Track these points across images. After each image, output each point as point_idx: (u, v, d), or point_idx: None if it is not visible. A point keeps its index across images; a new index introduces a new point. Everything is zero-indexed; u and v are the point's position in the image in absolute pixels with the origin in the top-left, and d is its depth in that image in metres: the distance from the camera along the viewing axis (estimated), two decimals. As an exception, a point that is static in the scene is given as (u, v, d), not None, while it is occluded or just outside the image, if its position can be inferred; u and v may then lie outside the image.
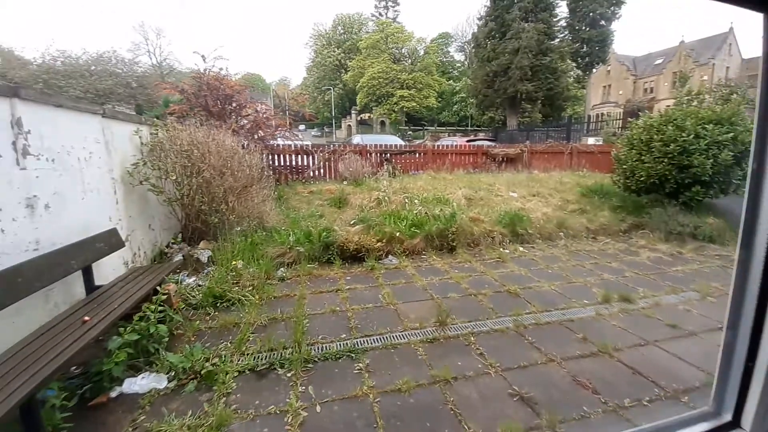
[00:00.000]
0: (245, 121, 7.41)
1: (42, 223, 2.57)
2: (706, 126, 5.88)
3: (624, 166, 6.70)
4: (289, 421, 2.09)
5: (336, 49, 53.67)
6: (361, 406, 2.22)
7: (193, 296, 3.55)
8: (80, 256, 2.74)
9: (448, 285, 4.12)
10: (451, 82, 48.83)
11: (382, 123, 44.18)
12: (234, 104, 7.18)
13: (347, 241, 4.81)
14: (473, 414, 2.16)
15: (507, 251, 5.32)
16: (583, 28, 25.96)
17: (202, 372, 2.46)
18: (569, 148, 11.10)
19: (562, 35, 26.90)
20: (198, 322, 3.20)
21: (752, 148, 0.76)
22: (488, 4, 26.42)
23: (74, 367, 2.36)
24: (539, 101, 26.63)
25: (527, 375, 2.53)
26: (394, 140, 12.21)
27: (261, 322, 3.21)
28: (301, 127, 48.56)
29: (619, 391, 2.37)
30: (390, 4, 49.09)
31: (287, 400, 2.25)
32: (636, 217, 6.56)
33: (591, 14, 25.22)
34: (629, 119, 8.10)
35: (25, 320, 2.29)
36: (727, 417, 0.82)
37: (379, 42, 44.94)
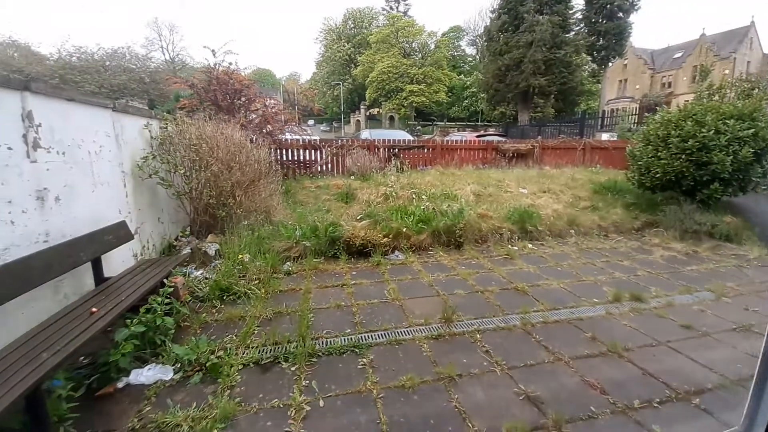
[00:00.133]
0: (254, 116, 7.43)
1: (52, 215, 2.61)
2: (727, 121, 5.66)
3: (639, 163, 6.51)
4: (293, 415, 2.09)
5: (346, 44, 53.41)
6: (364, 401, 2.21)
7: (200, 289, 3.59)
8: (89, 248, 2.79)
9: (454, 281, 4.08)
10: (461, 76, 48.20)
11: (391, 118, 43.92)
12: (243, 99, 7.20)
13: (353, 236, 4.79)
14: (478, 412, 2.13)
15: (515, 248, 5.24)
16: (600, 20, 25.16)
17: (208, 364, 2.48)
18: (582, 143, 10.83)
19: (577, 28, 26.15)
20: (204, 314, 3.23)
21: None
22: (501, -5, 25.86)
23: (82, 358, 2.41)
24: (552, 96, 26.05)
25: (534, 374, 2.48)
26: (402, 135, 12.09)
27: (266, 316, 3.23)
28: (310, 122, 48.71)
29: (628, 392, 2.31)
30: (401, -3, 48.57)
31: (291, 394, 2.25)
32: (650, 215, 6.39)
33: (608, 6, 24.39)
34: (646, 114, 7.86)
35: (35, 311, 2.34)
36: None
37: (390, 36, 44.53)
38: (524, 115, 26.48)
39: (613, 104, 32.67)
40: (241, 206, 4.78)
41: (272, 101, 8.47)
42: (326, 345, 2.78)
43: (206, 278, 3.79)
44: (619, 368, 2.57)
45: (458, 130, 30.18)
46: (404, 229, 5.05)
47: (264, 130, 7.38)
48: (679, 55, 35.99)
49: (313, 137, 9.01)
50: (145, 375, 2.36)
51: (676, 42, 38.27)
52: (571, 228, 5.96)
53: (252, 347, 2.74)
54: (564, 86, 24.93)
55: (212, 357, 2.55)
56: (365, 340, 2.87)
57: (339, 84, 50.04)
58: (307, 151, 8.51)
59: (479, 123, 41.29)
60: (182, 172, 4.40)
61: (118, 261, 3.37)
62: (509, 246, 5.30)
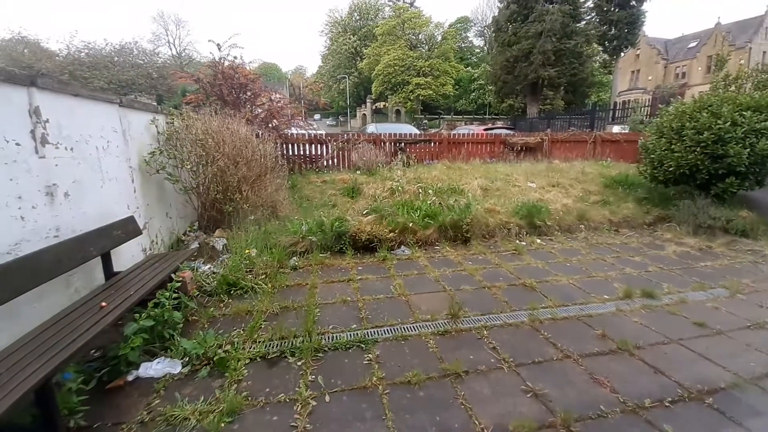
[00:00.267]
0: (259, 110, 7.42)
1: (62, 210, 2.63)
2: (744, 113, 5.48)
3: (652, 156, 6.35)
4: (299, 410, 2.10)
5: (351, 37, 52.97)
6: (370, 397, 2.21)
7: (208, 283, 3.62)
8: (98, 243, 2.81)
9: (461, 277, 4.05)
10: (469, 68, 47.51)
11: (398, 112, 43.60)
12: (248, 93, 7.18)
13: (359, 231, 4.78)
14: (484, 409, 2.11)
15: (523, 243, 5.18)
16: (612, 9, 24.49)
17: (215, 358, 2.50)
18: (593, 136, 10.62)
19: (588, 17, 25.52)
20: (212, 308, 3.26)
21: None
22: (510, -15, 25.28)
23: (93, 351, 2.44)
24: (562, 87, 25.54)
25: (542, 371, 2.45)
26: (408, 129, 12.01)
27: (273, 311, 3.24)
28: (316, 116, 48.60)
29: (639, 391, 2.27)
30: (407, -12, 47.85)
31: (297, 388, 2.26)
32: (662, 210, 6.26)
33: (621, -6, 23.77)
34: (659, 106, 7.64)
35: (47, 305, 2.37)
36: None
37: (396, 28, 44.01)
38: (533, 108, 26.03)
39: (625, 96, 31.95)
40: (248, 201, 4.79)
41: (278, 95, 8.44)
42: (332, 340, 2.78)
43: (214, 273, 3.81)
44: (629, 366, 2.52)
45: (465, 124, 29.85)
46: (410, 224, 5.02)
47: (270, 125, 7.37)
48: (693, 44, 34.96)
49: (319, 131, 8.97)
50: (154, 368, 2.39)
51: (691, 31, 37.19)
52: (581, 223, 5.86)
53: (259, 342, 2.75)
54: (574, 77, 24.40)
55: (220, 351, 2.57)
56: (371, 335, 2.86)
57: (345, 77, 49.75)
58: (313, 145, 8.49)
59: (487, 116, 40.74)
60: (189, 167, 4.42)
61: (127, 255, 3.40)
62: (517, 241, 5.24)
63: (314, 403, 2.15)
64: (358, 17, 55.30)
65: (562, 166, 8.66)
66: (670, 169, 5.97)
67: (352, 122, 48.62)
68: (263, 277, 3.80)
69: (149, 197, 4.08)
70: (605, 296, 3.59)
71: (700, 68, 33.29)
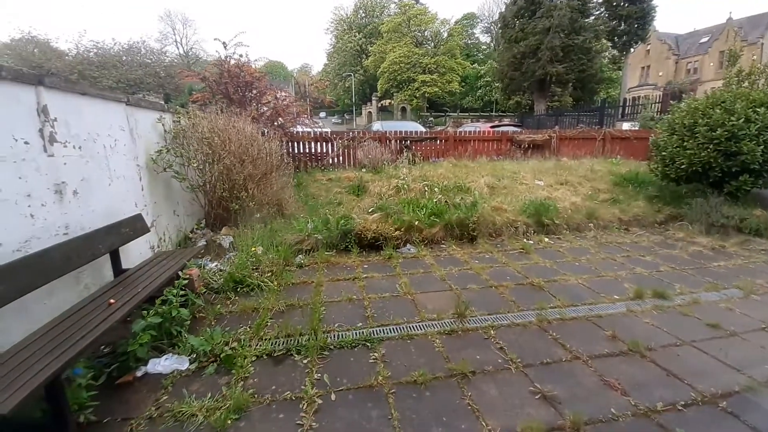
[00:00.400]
0: (265, 109, 7.43)
1: (71, 208, 2.66)
2: (758, 109, 5.35)
3: (663, 153, 6.23)
4: (304, 408, 2.09)
5: (357, 34, 52.83)
6: (376, 396, 2.20)
7: (215, 280, 3.64)
8: (107, 241, 2.84)
9: (467, 276, 4.01)
10: (475, 65, 47.10)
11: (403, 109, 43.44)
12: (254, 91, 7.19)
13: (365, 229, 4.77)
14: (492, 410, 2.08)
15: (531, 242, 5.12)
16: (622, 3, 24.04)
17: (222, 355, 2.51)
18: (602, 133, 10.45)
19: (597, 12, 25.08)
20: (219, 306, 3.27)
21: None
22: (518, -20, 24.96)
23: (103, 347, 2.47)
24: (570, 84, 25.23)
25: (550, 372, 2.42)
26: (414, 127, 11.94)
27: (279, 308, 3.25)
28: (322, 114, 48.68)
29: (651, 394, 2.22)
30: (413, -16, 47.50)
31: (303, 387, 2.26)
32: (674, 208, 6.14)
33: (631, -12, 23.33)
34: (671, 102, 7.49)
35: (57, 301, 2.40)
36: None
37: (401, 25, 43.78)
38: (541, 105, 25.75)
39: (635, 92, 31.45)
40: (254, 199, 4.80)
41: (283, 93, 8.44)
42: (338, 338, 2.77)
43: (221, 270, 3.83)
44: (641, 368, 2.47)
45: (472, 121, 29.62)
46: (416, 222, 4.99)
47: (275, 123, 7.38)
48: (705, 39, 34.21)
49: (324, 129, 8.98)
50: (162, 364, 2.41)
51: (703, 26, 36.40)
52: (590, 221, 5.78)
53: (265, 339, 2.76)
54: (583, 74, 24.06)
55: (226, 348, 2.58)
56: (377, 334, 2.84)
57: (350, 75, 49.69)
58: (319, 143, 8.48)
59: (493, 113, 40.43)
60: (195, 165, 4.44)
61: (135, 253, 3.43)
62: (524, 240, 5.18)
63: (320, 401, 2.15)
64: (363, 14, 55.13)
65: (570, 163, 8.54)
66: (682, 166, 5.85)
67: (357, 120, 48.57)
68: (269, 274, 3.81)
69: (157, 195, 4.11)
70: (615, 296, 3.53)
71: (712, 64, 32.59)
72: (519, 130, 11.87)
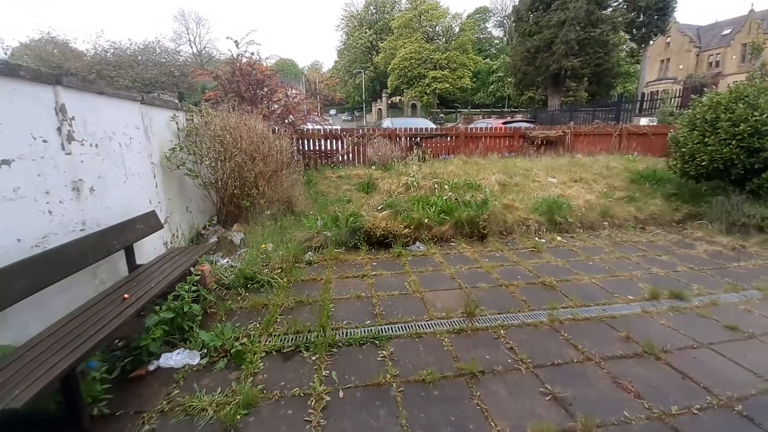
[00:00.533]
0: (276, 106, 7.48)
1: (87, 205, 2.73)
2: (783, 104, 5.11)
3: (683, 149, 6.02)
4: (313, 404, 2.11)
5: (367, 30, 52.69)
6: (384, 394, 2.20)
7: (226, 277, 3.69)
8: (122, 237, 2.91)
9: (477, 274, 3.97)
10: (487, 60, 46.47)
11: (413, 106, 43.19)
12: (265, 89, 7.24)
13: (374, 227, 4.76)
14: (501, 411, 2.06)
15: (543, 241, 5.03)
16: (641, -6, 23.29)
17: (232, 351, 2.54)
18: (618, 129, 10.17)
19: (615, 3, 24.35)
20: (230, 301, 3.32)
21: None
22: (532, -28, 24.37)
23: (117, 341, 2.53)
24: (586, 78, 24.57)
25: (561, 373, 2.37)
26: (424, 123, 11.85)
27: (288, 305, 3.27)
28: (332, 111, 48.81)
29: (665, 397, 2.16)
30: (425, -21, 46.98)
31: (311, 383, 2.27)
32: (693, 206, 5.95)
33: (650, -22, 22.54)
34: (692, 96, 7.21)
35: (74, 296, 2.48)
36: None
37: (412, 20, 43.46)
38: (555, 100, 25.20)
39: (654, 86, 30.50)
40: (264, 196, 4.85)
41: (294, 91, 8.47)
42: (346, 336, 2.78)
43: (232, 266, 3.89)
44: (655, 371, 2.41)
45: (483, 117, 29.23)
46: (426, 220, 4.96)
47: (286, 121, 7.43)
48: (727, 31, 32.94)
49: (334, 127, 8.98)
50: (174, 359, 2.46)
51: (725, 17, 35.04)
52: (605, 220, 5.65)
53: (274, 335, 2.79)
54: (599, 68, 23.40)
55: (236, 344, 2.61)
56: (385, 332, 2.84)
57: (360, 72, 49.63)
58: (329, 140, 8.50)
59: (506, 109, 39.80)
60: (208, 163, 4.50)
61: (149, 249, 3.51)
62: (536, 238, 5.09)
63: (328, 398, 2.16)
64: (374, 10, 54.92)
65: (585, 160, 8.35)
66: (703, 163, 5.65)
67: (367, 117, 48.51)
68: (279, 271, 3.85)
69: (170, 192, 4.19)
70: (630, 297, 3.45)
71: (734, 56, 31.38)
72: (532, 126, 11.64)
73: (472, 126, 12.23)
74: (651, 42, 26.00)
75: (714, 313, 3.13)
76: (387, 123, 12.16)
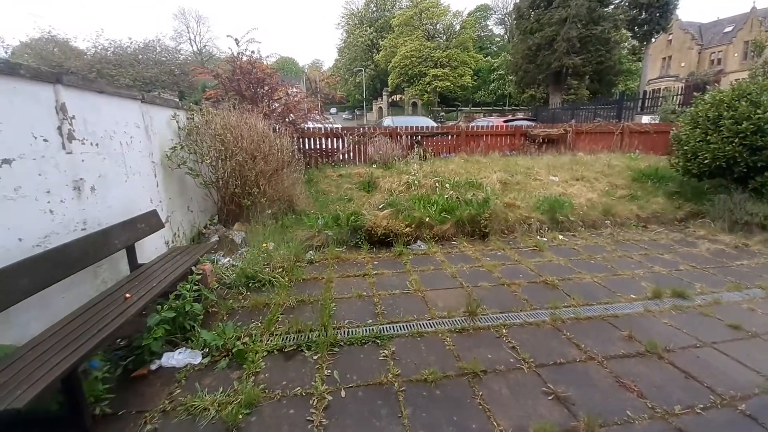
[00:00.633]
0: (276, 105, 7.46)
1: (88, 204, 2.72)
2: (786, 101, 5.08)
3: (685, 147, 6.00)
4: (315, 404, 2.10)
5: (368, 28, 52.55)
6: (385, 394, 2.19)
7: (228, 276, 3.69)
8: (123, 236, 2.90)
9: (479, 273, 3.96)
10: (488, 58, 46.32)
11: (414, 104, 43.09)
12: (266, 88, 7.22)
13: (375, 226, 4.75)
14: (504, 410, 2.05)
15: (545, 239, 5.02)
16: (643, -9, 23.17)
17: (234, 350, 2.54)
18: (620, 127, 10.13)
19: (617, 1, 24.23)
20: (231, 301, 3.32)
21: None
22: (533, -31, 24.24)
23: (119, 340, 2.53)
24: (587, 76, 24.49)
25: (564, 373, 2.37)
26: (425, 122, 11.84)
27: (290, 304, 3.27)
28: (333, 110, 48.69)
29: (668, 396, 2.16)
30: (425, -24, 46.79)
31: (313, 383, 2.27)
32: (695, 205, 5.94)
33: (653, -25, 22.41)
34: (694, 94, 7.18)
35: (76, 295, 2.47)
36: None
37: (413, 18, 43.33)
38: (556, 98, 25.12)
39: (655, 84, 30.34)
40: (265, 195, 4.84)
41: (295, 90, 8.45)
42: (348, 335, 2.78)
43: (233, 266, 3.88)
44: (658, 370, 2.40)
45: (484, 116, 29.18)
46: (427, 219, 4.95)
47: (286, 119, 7.41)
48: (729, 29, 32.78)
49: (335, 125, 8.96)
50: (176, 358, 2.46)
51: (727, 15, 34.88)
52: (607, 218, 5.63)
53: (276, 334, 2.79)
54: (600, 65, 23.32)
55: (238, 343, 2.61)
56: (387, 331, 2.84)
57: (361, 70, 49.51)
58: (329, 139, 8.49)
59: (507, 107, 39.68)
60: (209, 161, 4.49)
61: (151, 248, 3.51)
62: (538, 237, 5.08)
63: (330, 397, 2.15)
64: (374, 8, 54.76)
65: (586, 158, 8.32)
66: (705, 161, 5.63)
67: (368, 115, 48.43)
68: (280, 270, 3.84)
69: (171, 191, 4.18)
70: (632, 296, 3.43)
71: (736, 54, 31.23)
72: (533, 124, 11.61)
73: (473, 124, 12.21)
74: (653, 39, 25.88)
75: (717, 312, 3.12)
76: (388, 121, 12.14)
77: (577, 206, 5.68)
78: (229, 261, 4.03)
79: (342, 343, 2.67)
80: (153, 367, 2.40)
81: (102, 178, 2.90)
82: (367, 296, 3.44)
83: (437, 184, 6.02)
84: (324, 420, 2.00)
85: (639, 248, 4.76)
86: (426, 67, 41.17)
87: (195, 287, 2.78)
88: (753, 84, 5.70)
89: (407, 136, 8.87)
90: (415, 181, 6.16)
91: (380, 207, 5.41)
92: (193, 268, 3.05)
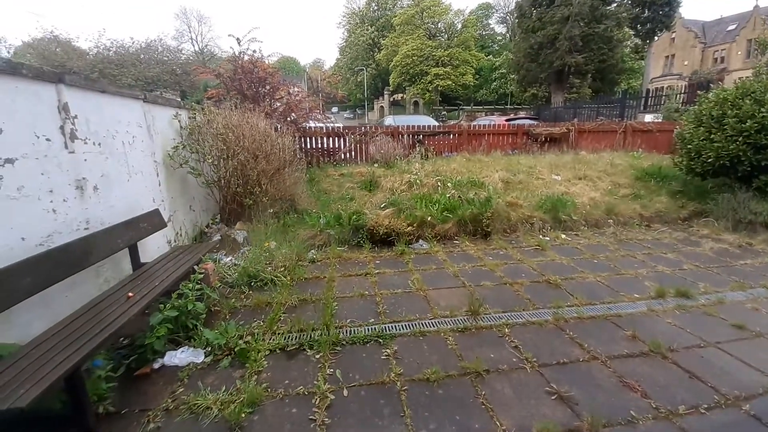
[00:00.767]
0: (278, 104, 7.45)
1: (91, 204, 2.73)
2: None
3: (689, 146, 5.96)
4: (317, 403, 2.10)
5: (369, 27, 52.46)
6: (388, 393, 2.19)
7: (230, 275, 3.69)
8: (126, 235, 2.91)
9: (481, 272, 3.95)
10: (490, 57, 46.17)
11: (416, 103, 43.00)
12: (267, 87, 7.21)
13: (377, 225, 4.75)
14: (506, 410, 2.05)
15: (547, 239, 5.01)
16: (646, -11, 23.03)
17: (236, 349, 2.54)
18: (623, 126, 10.08)
19: (620, -1, 24.08)
20: (233, 300, 3.32)
21: None
22: (536, -33, 24.09)
23: (122, 339, 2.54)
24: (589, 75, 24.30)
25: (567, 372, 2.36)
26: (427, 121, 11.82)
27: (292, 303, 3.27)
28: (334, 109, 48.70)
29: (672, 396, 2.15)
30: (426, -25, 46.66)
31: (315, 382, 2.27)
32: (699, 204, 5.91)
33: (656, -27, 22.26)
34: (698, 92, 7.13)
35: (78, 294, 2.48)
36: None
37: (414, 17, 43.24)
38: (558, 97, 25.00)
39: (658, 82, 30.26)
40: (267, 194, 4.84)
41: (296, 89, 8.44)
42: (350, 334, 2.77)
43: (235, 265, 3.89)
44: (662, 370, 2.39)
45: (486, 114, 29.08)
46: (429, 218, 4.94)
47: (288, 119, 7.40)
48: (732, 27, 32.60)
49: (336, 125, 8.96)
50: (179, 357, 2.46)
51: (730, 13, 34.72)
52: (609, 217, 5.61)
53: (278, 333, 2.79)
54: (603, 64, 23.15)
55: (241, 342, 2.61)
56: (389, 330, 2.84)
57: (362, 70, 49.44)
58: (331, 138, 8.48)
59: (509, 106, 39.51)
60: (210, 161, 4.49)
61: (153, 247, 3.51)
62: (540, 236, 5.06)
63: (332, 396, 2.15)
64: (376, 7, 54.65)
65: (589, 157, 8.29)
66: (709, 160, 5.59)
67: (369, 115, 48.37)
68: (282, 269, 3.84)
69: (173, 191, 4.19)
70: (636, 295, 3.42)
71: (739, 52, 31.06)
72: (535, 123, 11.57)
73: (474, 123, 12.18)
74: (656, 38, 25.71)
75: (721, 312, 3.11)
76: (389, 120, 12.13)
77: (580, 205, 5.66)
78: (231, 260, 4.03)
79: (344, 342, 2.67)
80: (156, 365, 2.40)
81: (104, 177, 2.90)
82: (369, 295, 3.44)
83: (439, 184, 6.01)
84: (326, 419, 1.99)
85: (642, 247, 4.73)
86: (427, 66, 41.08)
87: (197, 286, 2.78)
88: (757, 82, 5.67)
89: (409, 135, 8.86)
90: (417, 181, 6.14)
91: (382, 206, 5.40)
92: (196, 267, 3.05)
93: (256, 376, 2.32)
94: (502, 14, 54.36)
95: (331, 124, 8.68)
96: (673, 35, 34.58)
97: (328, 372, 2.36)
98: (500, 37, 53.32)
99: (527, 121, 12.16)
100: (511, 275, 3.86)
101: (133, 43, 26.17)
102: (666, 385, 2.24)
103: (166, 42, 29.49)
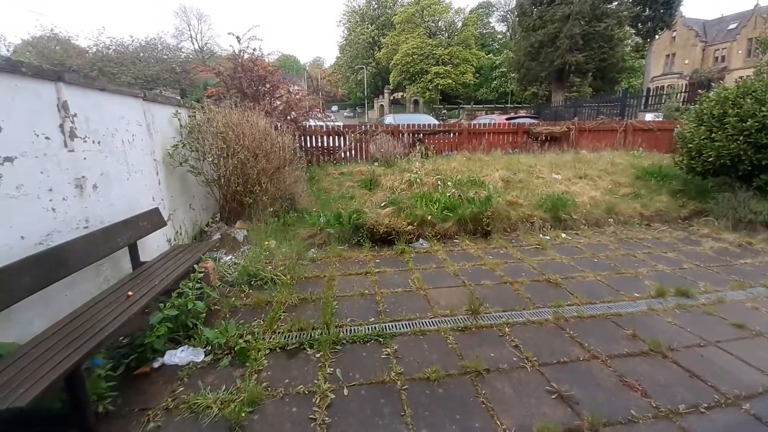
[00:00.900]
0: (278, 103, 7.44)
1: (90, 202, 2.72)
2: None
3: (689, 145, 5.95)
4: (317, 402, 2.10)
5: (369, 26, 52.34)
6: (388, 392, 2.19)
7: (230, 274, 3.69)
8: (125, 234, 2.90)
9: (481, 271, 3.95)
10: (490, 55, 46.07)
11: (416, 102, 42.94)
12: (267, 85, 7.20)
13: (377, 224, 4.74)
14: (507, 409, 2.05)
15: (547, 238, 5.00)
16: (647, -13, 22.93)
17: (236, 348, 2.54)
18: (623, 125, 10.07)
19: (621, -3, 23.98)
20: (233, 299, 3.32)
21: None
22: (537, -34, 24.01)
23: (122, 338, 2.53)
24: (590, 74, 24.26)
25: (567, 372, 2.36)
26: (427, 120, 11.80)
27: (292, 302, 3.27)
28: (334, 107, 48.59)
29: (672, 396, 2.15)
30: (427, -27, 46.51)
31: (315, 381, 2.27)
32: (699, 203, 5.90)
33: (657, -29, 22.17)
34: (699, 91, 7.12)
35: (78, 293, 2.47)
36: None
37: (415, 15, 43.14)
38: (558, 95, 24.94)
39: (659, 81, 30.23)
40: (267, 193, 4.83)
41: (296, 87, 8.42)
42: (350, 333, 2.77)
43: (235, 263, 3.88)
44: (662, 369, 2.39)
45: (486, 113, 29.06)
46: (429, 217, 4.94)
47: (288, 117, 7.39)
48: (733, 26, 32.53)
49: (336, 123, 8.94)
50: (179, 356, 2.46)
51: (731, 11, 34.66)
52: (610, 216, 5.61)
53: (278, 332, 2.78)
54: (604, 63, 23.10)
55: (241, 341, 2.61)
56: (389, 329, 2.83)
57: (362, 68, 49.35)
58: (331, 137, 8.47)
59: (509, 105, 39.48)
60: (210, 159, 4.48)
61: (153, 246, 3.51)
62: (540, 235, 5.06)
63: (333, 396, 2.15)
64: (376, 6, 54.52)
65: (589, 156, 8.28)
66: (710, 159, 5.58)
67: (369, 113, 48.31)
68: (282, 268, 3.83)
69: (173, 189, 4.18)
70: (636, 294, 3.42)
71: (740, 51, 31.01)
72: (535, 122, 11.56)
73: (475, 122, 12.16)
74: (656, 36, 25.61)
75: (721, 311, 3.11)
76: (389, 119, 12.11)
77: (580, 204, 5.66)
78: (231, 259, 4.03)
79: (344, 342, 2.67)
80: (156, 364, 2.40)
81: (104, 176, 2.90)
82: (369, 294, 3.43)
83: (439, 182, 6.00)
84: (327, 418, 1.99)
85: (642, 246, 4.73)
86: (428, 64, 41.02)
87: (197, 285, 2.78)
88: (758, 81, 5.66)
89: (409, 134, 8.85)
90: (417, 179, 6.14)
91: (382, 205, 5.40)
92: (196, 266, 3.05)
93: (256, 375, 2.32)
94: (502, 12, 54.27)
95: (331, 123, 8.66)
96: (674, 34, 34.50)
97: (328, 371, 2.36)
98: (501, 36, 53.21)
99: (527, 120, 12.15)
100: (511, 274, 3.86)
101: (132, 41, 26.12)
102: (666, 385, 2.24)
103: (165, 40, 29.44)
